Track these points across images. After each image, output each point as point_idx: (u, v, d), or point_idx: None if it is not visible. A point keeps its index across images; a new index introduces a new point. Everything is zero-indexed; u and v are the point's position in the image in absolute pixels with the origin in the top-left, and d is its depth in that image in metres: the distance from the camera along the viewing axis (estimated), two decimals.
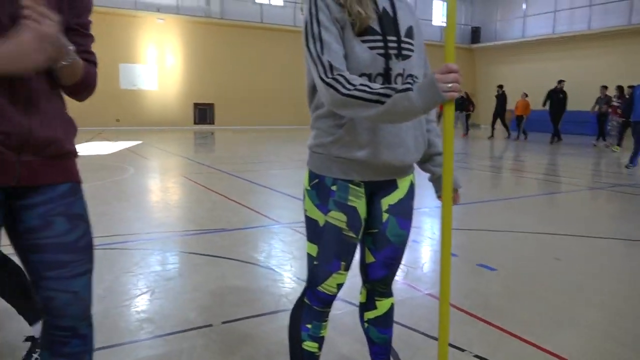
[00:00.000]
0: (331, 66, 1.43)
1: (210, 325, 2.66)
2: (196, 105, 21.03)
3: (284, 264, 3.70)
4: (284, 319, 2.71)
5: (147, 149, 12.08)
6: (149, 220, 5.04)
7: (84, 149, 11.71)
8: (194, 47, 20.41)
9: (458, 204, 1.78)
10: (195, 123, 21.01)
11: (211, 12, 20.35)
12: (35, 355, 2.15)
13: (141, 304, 2.94)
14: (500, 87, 17.71)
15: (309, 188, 1.65)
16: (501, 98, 17.39)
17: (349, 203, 1.60)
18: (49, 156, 1.33)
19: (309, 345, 1.72)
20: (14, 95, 1.22)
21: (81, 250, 1.40)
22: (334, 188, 1.59)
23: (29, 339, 2.23)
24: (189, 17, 19.97)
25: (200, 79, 20.70)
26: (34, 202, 1.33)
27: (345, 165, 1.58)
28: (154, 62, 19.98)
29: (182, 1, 19.92)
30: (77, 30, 1.42)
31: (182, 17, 19.91)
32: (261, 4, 21.35)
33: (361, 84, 1.39)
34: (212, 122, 21.37)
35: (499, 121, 17.68)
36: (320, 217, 1.62)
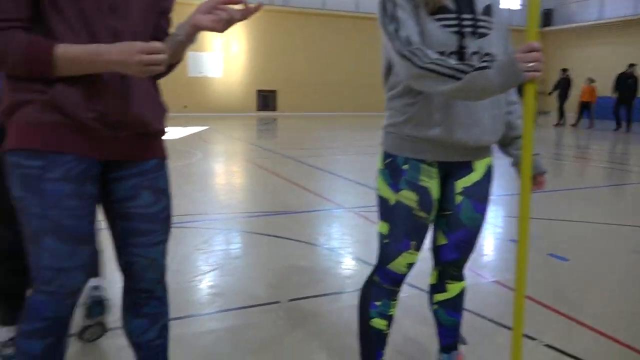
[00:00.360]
0: (408, 40, 1.43)
1: (277, 302, 2.74)
2: (259, 92, 21.40)
3: (347, 247, 3.74)
4: (348, 300, 2.76)
5: (213, 134, 12.46)
6: (216, 202, 5.22)
7: None
8: (257, 34, 20.72)
9: (541, 190, 1.73)
10: (258, 110, 21.40)
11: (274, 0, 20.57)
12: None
13: (210, 279, 3.07)
14: (564, 70, 16.76)
15: (382, 167, 1.66)
16: (563, 83, 16.44)
17: (421, 183, 1.59)
18: (141, 134, 1.44)
19: (378, 323, 1.74)
20: (112, 78, 1.33)
21: (161, 221, 1.51)
22: (405, 167, 1.59)
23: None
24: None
25: (263, 66, 21.03)
26: (125, 174, 1.45)
27: (417, 144, 1.57)
28: (220, 50, 20.47)
29: None
30: (163, 13, 1.50)
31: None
32: None
33: (437, 58, 1.39)
34: (274, 109, 21.68)
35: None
36: (391, 196, 1.63)
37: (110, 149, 1.39)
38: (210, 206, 5.02)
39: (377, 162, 1.72)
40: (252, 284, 2.99)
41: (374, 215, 1.82)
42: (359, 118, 19.70)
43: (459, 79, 1.35)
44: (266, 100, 21.54)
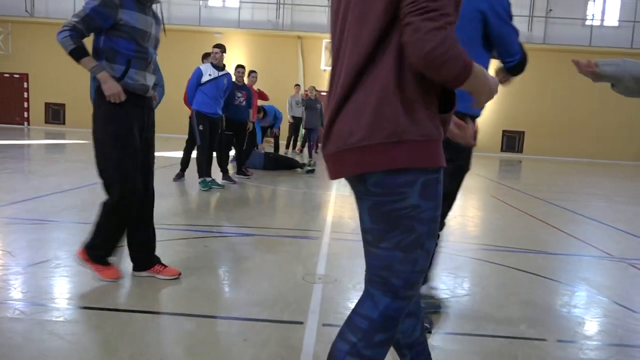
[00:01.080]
0: None
1: (544, 340, 2.52)
2: (504, 132, 20.54)
3: (623, 295, 3.24)
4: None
5: None
6: (466, 232, 5.12)
7: None
8: None
9: None
10: (502, 150, 20.53)
11: (533, 37, 19.64)
12: None
13: (463, 305, 3.00)
14: None
15: None
16: None
17: None
18: None
19: None
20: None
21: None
22: None
23: None
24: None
25: (509, 105, 20.16)
26: None
27: None
28: None
29: None
30: None
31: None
32: (591, 26, 19.51)
33: None
34: (520, 151, 20.51)
35: None
36: None
37: None
38: (461, 237, 4.95)
39: None
40: (512, 316, 2.82)
41: None
42: (622, 167, 17.23)
43: None
44: (512, 141, 20.53)
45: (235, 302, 2.80)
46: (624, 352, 2.48)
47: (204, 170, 6.74)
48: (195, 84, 6.65)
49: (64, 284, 2.94)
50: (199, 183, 6.71)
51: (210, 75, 6.64)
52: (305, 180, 8.45)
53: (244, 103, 7.81)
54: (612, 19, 19.66)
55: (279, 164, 9.56)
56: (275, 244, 4.16)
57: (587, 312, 2.96)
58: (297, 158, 10.56)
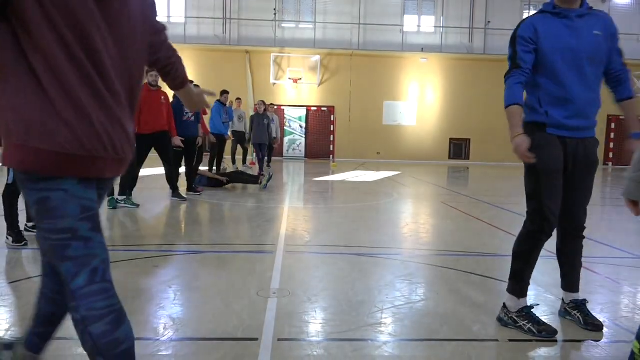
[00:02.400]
0: None
1: (496, 340, 2.56)
2: (452, 140, 21.15)
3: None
4: None
5: (406, 178, 12.60)
6: (419, 239, 5.19)
7: (350, 176, 12.87)
8: (453, 83, 20.68)
9: None
10: (450, 158, 21.11)
11: (474, 49, 20.40)
12: None
13: (417, 311, 3.02)
14: None
15: None
16: None
17: None
18: None
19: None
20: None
21: None
22: None
23: None
24: (452, 54, 20.34)
25: (457, 114, 20.79)
26: None
27: None
28: (415, 99, 20.89)
29: (445, 40, 20.49)
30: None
31: (444, 55, 20.40)
32: None
33: None
34: (467, 158, 21.15)
35: None
36: None
37: None
38: (414, 243, 5.01)
39: None
40: (468, 318, 2.86)
41: None
42: None
43: None
44: (459, 148, 21.15)
45: (187, 322, 2.71)
46: (576, 347, 2.56)
47: (127, 189, 6.56)
48: None
49: None
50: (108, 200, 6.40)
51: None
52: (257, 195, 8.37)
53: (192, 118, 7.68)
54: None
55: (236, 180, 9.28)
56: (228, 260, 4.08)
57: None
58: (250, 172, 10.42)
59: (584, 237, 2.77)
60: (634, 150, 1.83)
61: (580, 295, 2.80)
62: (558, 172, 2.58)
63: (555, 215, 2.60)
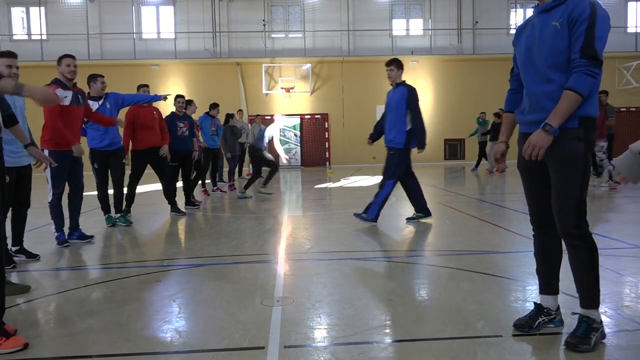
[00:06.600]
0: None
1: (500, 336, 2.59)
2: (446, 141, 21.22)
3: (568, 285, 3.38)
4: None
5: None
6: (420, 241, 5.22)
7: (348, 182, 12.90)
8: (444, 84, 20.77)
9: None
10: (445, 158, 21.16)
11: (463, 49, 20.52)
12: None
13: (422, 310, 3.04)
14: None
15: None
16: None
17: None
18: None
19: None
20: None
21: None
22: None
23: None
24: (442, 56, 20.46)
25: (450, 115, 20.87)
26: None
27: None
28: None
29: (434, 42, 20.61)
30: None
31: (434, 57, 20.52)
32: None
33: None
34: (462, 157, 21.22)
35: None
36: None
37: None
38: (416, 244, 5.03)
39: None
40: (470, 316, 2.88)
41: None
42: None
43: None
44: (454, 149, 21.22)
45: (193, 335, 2.73)
46: None
47: (104, 206, 6.35)
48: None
49: None
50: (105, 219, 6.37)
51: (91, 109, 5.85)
52: (256, 205, 8.39)
53: (187, 133, 7.71)
54: None
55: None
56: (230, 271, 4.09)
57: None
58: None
59: (580, 247, 2.46)
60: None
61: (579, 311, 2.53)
62: (526, 170, 2.59)
63: (535, 214, 2.63)
